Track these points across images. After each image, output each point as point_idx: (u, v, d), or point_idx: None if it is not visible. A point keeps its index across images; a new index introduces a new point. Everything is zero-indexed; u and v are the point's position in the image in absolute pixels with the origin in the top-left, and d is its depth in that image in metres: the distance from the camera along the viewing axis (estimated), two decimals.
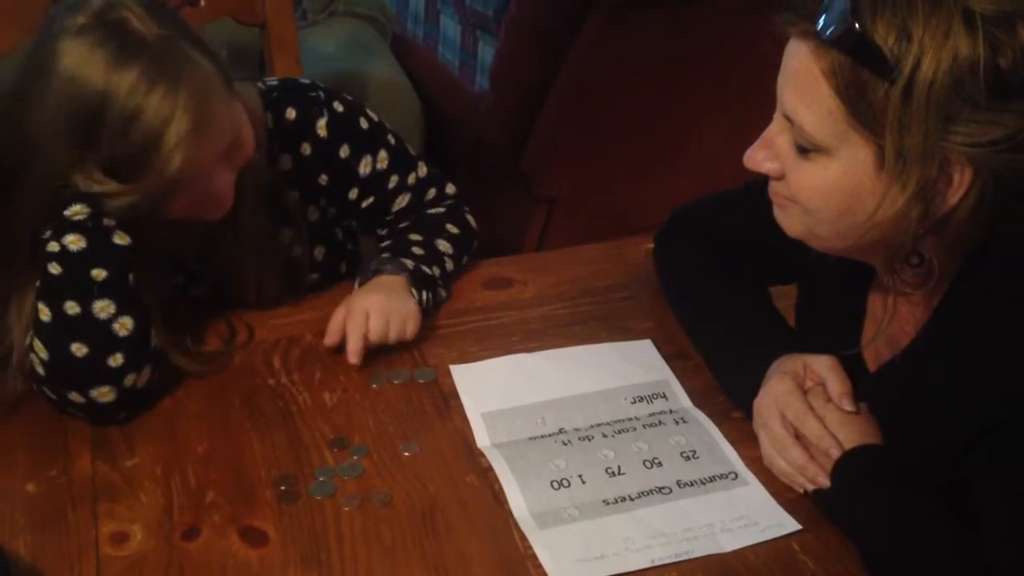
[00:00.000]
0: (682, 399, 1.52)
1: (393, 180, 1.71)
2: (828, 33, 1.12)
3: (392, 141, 1.71)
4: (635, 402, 1.50)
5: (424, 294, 1.62)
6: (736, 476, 1.39)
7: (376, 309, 1.55)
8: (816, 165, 1.19)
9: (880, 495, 1.26)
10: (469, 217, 1.79)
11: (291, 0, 2.19)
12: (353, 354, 1.54)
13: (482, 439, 1.44)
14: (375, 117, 1.71)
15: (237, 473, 1.39)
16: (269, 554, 1.28)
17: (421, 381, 1.55)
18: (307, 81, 1.69)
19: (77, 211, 1.39)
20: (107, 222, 1.40)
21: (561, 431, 1.45)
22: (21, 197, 1.39)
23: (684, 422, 1.47)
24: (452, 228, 1.74)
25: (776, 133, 1.23)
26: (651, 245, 1.72)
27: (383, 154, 1.69)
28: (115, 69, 1.32)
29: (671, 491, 1.36)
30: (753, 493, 1.36)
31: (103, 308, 1.40)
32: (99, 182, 1.37)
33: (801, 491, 1.35)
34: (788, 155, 1.22)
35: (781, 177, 1.24)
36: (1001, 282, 1.19)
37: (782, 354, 1.41)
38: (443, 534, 1.31)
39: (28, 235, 1.41)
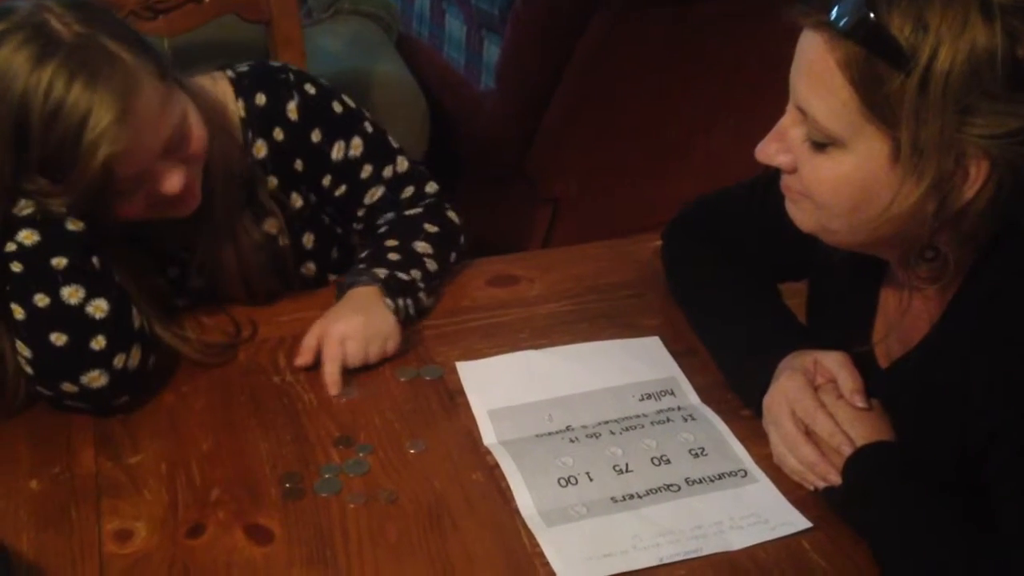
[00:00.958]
0: (690, 396, 1.50)
1: (367, 170, 1.68)
2: (842, 24, 1.11)
3: (369, 130, 1.68)
4: (643, 399, 1.49)
5: (401, 302, 1.58)
6: (746, 473, 1.37)
7: (353, 335, 1.52)
8: (829, 158, 1.18)
9: (892, 492, 1.24)
10: (451, 214, 1.75)
11: None
12: (332, 385, 1.50)
13: (489, 436, 1.43)
14: (352, 104, 1.68)
15: (242, 470, 1.38)
16: (274, 552, 1.27)
17: (427, 378, 1.54)
18: (277, 64, 1.68)
19: (24, 206, 1.39)
20: (56, 211, 1.39)
21: (568, 428, 1.44)
22: None
23: (693, 419, 1.46)
24: (430, 227, 1.70)
25: (789, 125, 1.22)
26: (658, 242, 1.71)
27: (357, 141, 1.66)
28: (33, 69, 1.32)
29: (680, 489, 1.35)
30: (763, 491, 1.35)
31: (72, 294, 1.40)
32: (34, 183, 1.37)
33: (812, 488, 1.34)
34: (801, 148, 1.21)
35: (794, 170, 1.23)
36: (1017, 276, 1.18)
37: (792, 350, 1.40)
38: (449, 532, 1.30)
39: None
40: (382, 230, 1.70)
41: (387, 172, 1.70)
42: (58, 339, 1.40)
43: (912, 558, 1.20)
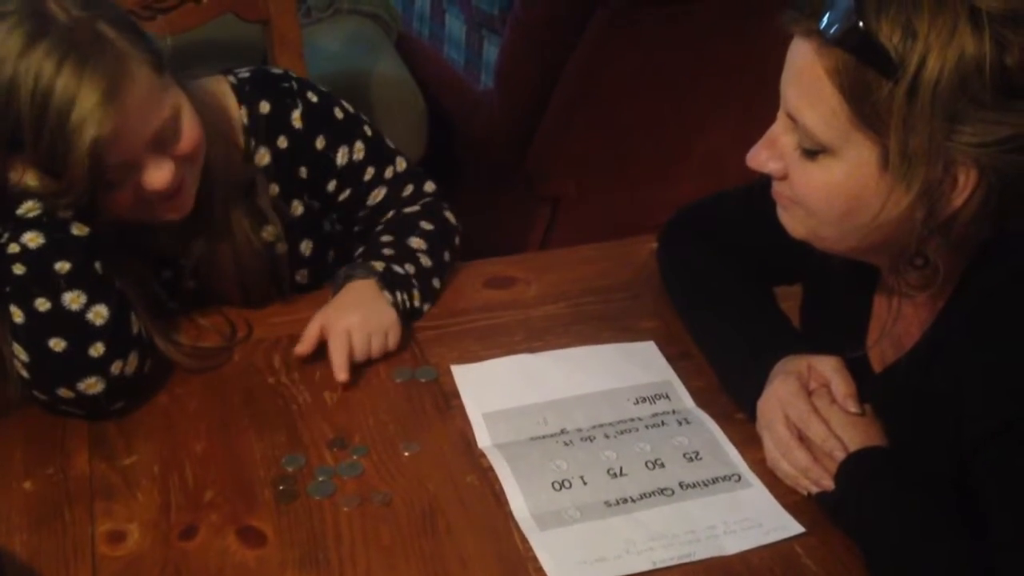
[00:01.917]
0: (685, 399, 1.50)
1: (369, 172, 1.69)
2: (832, 32, 1.11)
3: (369, 132, 1.69)
4: (638, 402, 1.49)
5: (399, 295, 1.59)
6: (739, 478, 1.37)
7: (357, 328, 1.53)
8: (820, 166, 1.18)
9: (884, 498, 1.24)
10: (447, 214, 1.75)
11: None
12: (341, 369, 1.50)
13: (483, 439, 1.43)
14: (350, 108, 1.69)
15: (236, 472, 1.38)
16: (267, 555, 1.27)
17: (422, 380, 1.54)
18: (279, 71, 1.68)
19: (30, 207, 1.39)
20: (62, 214, 1.39)
21: (563, 431, 1.44)
22: None
23: (687, 423, 1.46)
24: (426, 225, 1.71)
25: (780, 133, 1.22)
26: (655, 244, 1.71)
27: (359, 144, 1.67)
28: (23, 52, 1.31)
29: (673, 493, 1.35)
30: (756, 495, 1.35)
31: (73, 299, 1.39)
32: (33, 179, 1.36)
33: (805, 493, 1.34)
34: (791, 155, 1.21)
35: (784, 177, 1.23)
36: (1007, 283, 1.18)
37: (786, 355, 1.40)
38: (443, 535, 1.30)
39: None
40: (379, 228, 1.72)
41: (388, 173, 1.71)
42: (57, 345, 1.39)
43: (904, 563, 1.20)
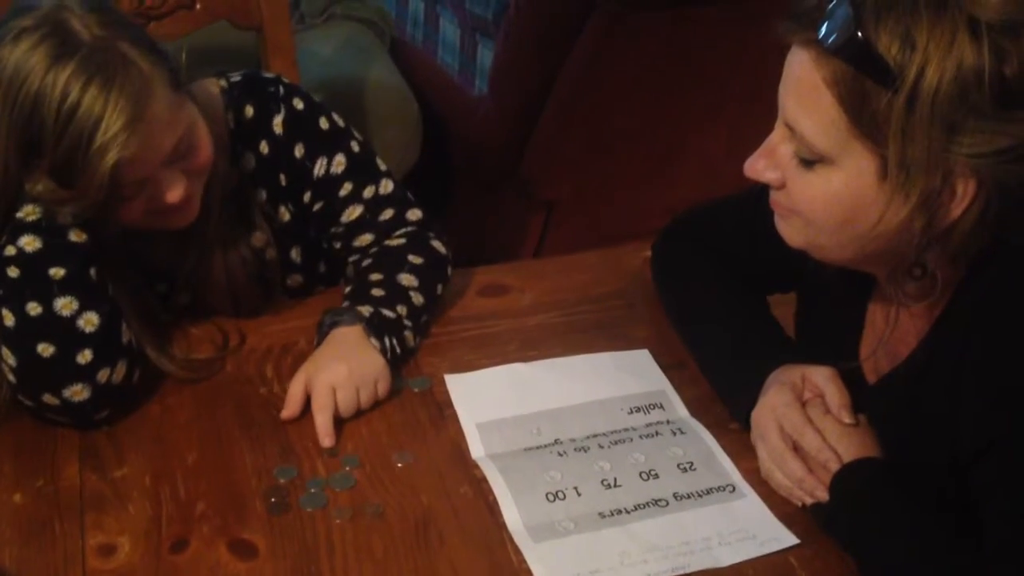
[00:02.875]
0: (679, 409, 1.50)
1: (346, 188, 1.63)
2: (830, 41, 1.10)
3: (355, 149, 1.64)
4: (632, 412, 1.48)
5: (387, 341, 1.52)
6: (734, 489, 1.37)
7: (343, 383, 1.46)
8: (818, 175, 1.17)
9: (878, 509, 1.24)
10: (435, 243, 1.67)
11: (288, 3, 2.17)
12: (325, 435, 1.43)
13: (476, 450, 1.42)
14: (341, 122, 1.65)
15: (227, 484, 1.37)
16: (258, 567, 1.26)
17: (415, 390, 1.53)
18: (270, 76, 1.66)
19: (29, 211, 1.38)
20: (62, 220, 1.39)
21: (557, 442, 1.43)
22: None
23: (682, 433, 1.45)
24: (415, 259, 1.63)
25: (778, 142, 1.22)
26: (649, 253, 1.70)
27: (340, 158, 1.63)
28: (49, 69, 1.31)
29: (668, 504, 1.34)
30: (750, 506, 1.34)
31: (65, 305, 1.39)
32: (45, 187, 1.35)
33: (799, 504, 1.33)
34: (789, 165, 1.21)
35: (782, 187, 1.23)
36: (1005, 294, 1.17)
37: (780, 365, 1.39)
38: (436, 546, 1.29)
39: None
40: (366, 263, 1.65)
41: (367, 192, 1.65)
42: (45, 350, 1.39)
43: (897, 574, 1.19)
